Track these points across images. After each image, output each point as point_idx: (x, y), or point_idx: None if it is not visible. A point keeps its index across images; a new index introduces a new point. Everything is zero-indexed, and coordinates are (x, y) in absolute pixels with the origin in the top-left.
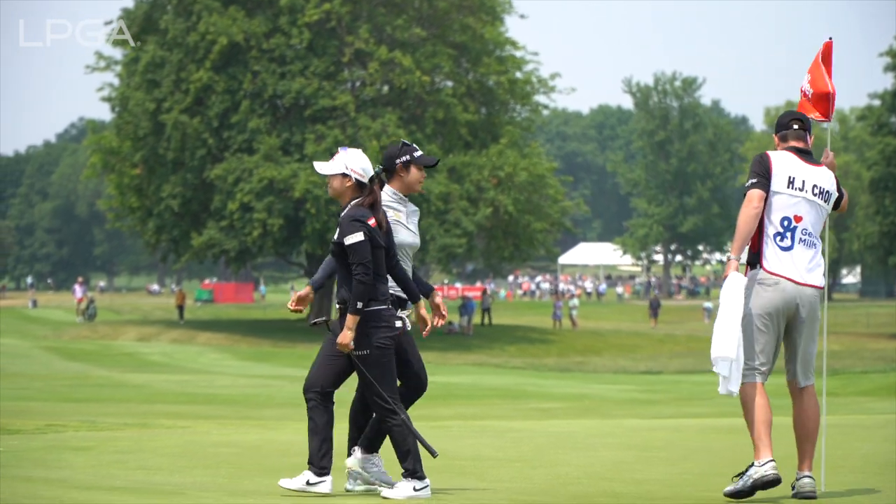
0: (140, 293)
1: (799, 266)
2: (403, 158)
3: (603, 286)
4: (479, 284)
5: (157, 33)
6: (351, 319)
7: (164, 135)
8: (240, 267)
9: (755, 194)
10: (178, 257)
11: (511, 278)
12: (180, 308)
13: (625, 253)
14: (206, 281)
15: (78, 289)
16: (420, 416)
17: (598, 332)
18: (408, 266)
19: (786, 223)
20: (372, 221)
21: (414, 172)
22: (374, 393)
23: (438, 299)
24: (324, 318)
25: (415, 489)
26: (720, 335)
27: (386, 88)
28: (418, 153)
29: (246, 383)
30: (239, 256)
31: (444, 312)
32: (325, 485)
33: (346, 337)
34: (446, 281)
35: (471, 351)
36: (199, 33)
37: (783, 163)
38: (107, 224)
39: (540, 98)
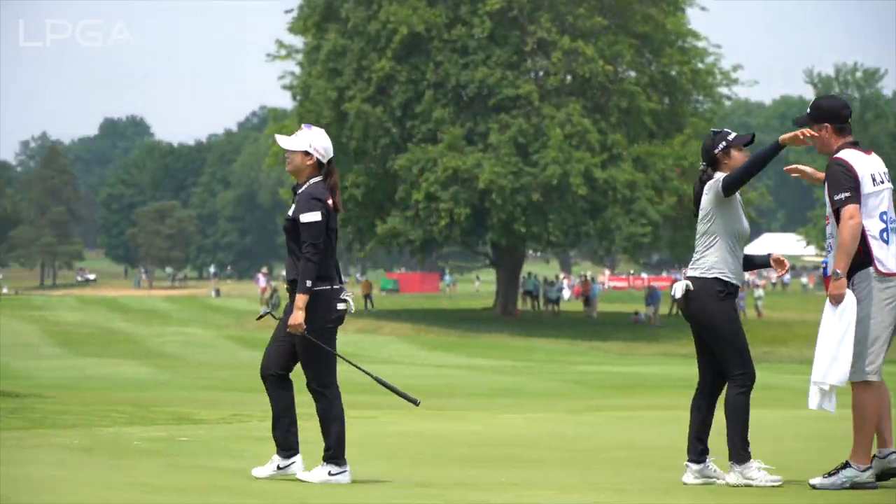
0: None
1: None
2: (720, 146)
3: (787, 276)
4: (664, 275)
5: (339, 22)
6: (301, 299)
7: (347, 124)
8: (425, 257)
9: (854, 209)
10: (361, 246)
11: None
12: (368, 297)
13: (808, 244)
14: (392, 271)
15: (261, 278)
16: (611, 405)
17: (784, 323)
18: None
19: (885, 218)
20: (330, 202)
21: (736, 156)
22: (311, 373)
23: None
24: (267, 312)
25: (330, 473)
26: (831, 358)
27: (569, 78)
28: (732, 136)
29: (431, 373)
30: (424, 246)
31: (785, 264)
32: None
33: (298, 318)
34: (632, 271)
35: (658, 341)
36: (380, 22)
37: (861, 163)
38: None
39: (722, 90)
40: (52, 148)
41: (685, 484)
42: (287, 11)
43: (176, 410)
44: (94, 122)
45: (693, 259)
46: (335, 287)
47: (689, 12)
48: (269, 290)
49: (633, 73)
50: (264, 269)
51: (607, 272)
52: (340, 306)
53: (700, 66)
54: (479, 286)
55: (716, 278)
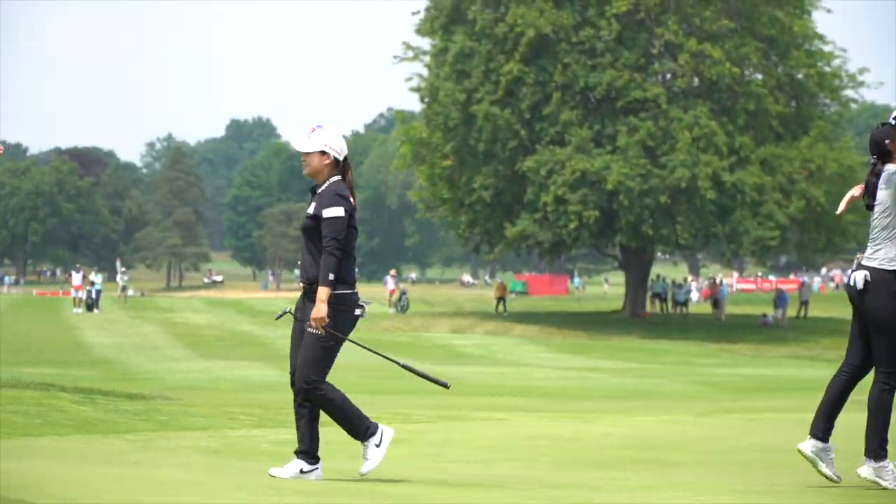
0: (453, 285)
1: None
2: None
3: None
4: (791, 277)
5: (465, 24)
6: (324, 292)
7: (475, 126)
8: (554, 259)
9: None
10: (490, 249)
11: (823, 271)
12: (501, 300)
13: None
14: (520, 273)
15: (389, 280)
16: (739, 407)
17: None
18: None
19: None
20: (352, 200)
21: None
22: (306, 371)
23: None
24: (286, 310)
25: (302, 471)
26: None
27: (696, 80)
28: None
29: (561, 375)
30: (553, 248)
31: None
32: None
33: (322, 311)
34: (760, 273)
35: (786, 343)
36: (508, 24)
37: None
38: (417, 215)
39: (848, 92)
40: (178, 149)
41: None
42: (414, 13)
43: None
44: (220, 123)
45: (871, 249)
46: (355, 291)
47: (814, 15)
48: (397, 291)
49: (759, 76)
50: (392, 272)
51: (735, 274)
52: (357, 312)
53: (826, 69)
54: (609, 288)
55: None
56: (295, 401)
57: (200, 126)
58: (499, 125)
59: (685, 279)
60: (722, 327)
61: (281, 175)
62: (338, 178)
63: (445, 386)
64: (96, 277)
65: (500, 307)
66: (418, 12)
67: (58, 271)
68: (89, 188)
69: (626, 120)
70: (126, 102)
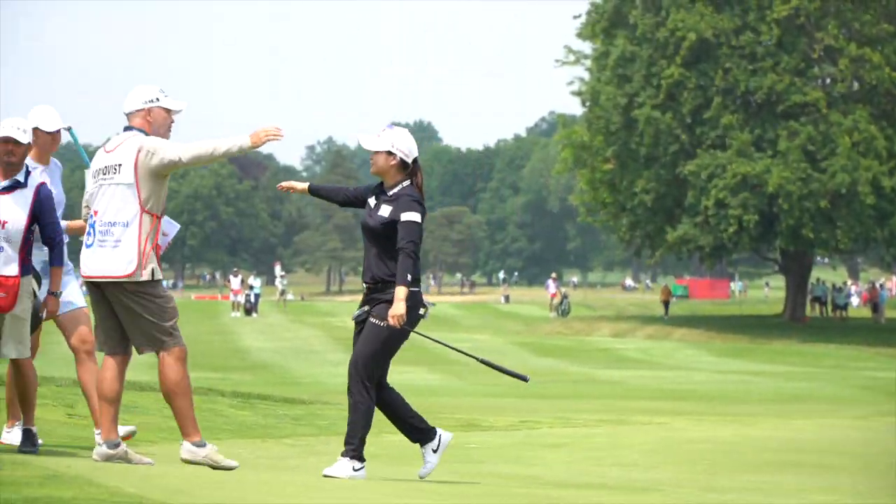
0: (614, 289)
1: None
2: None
3: None
4: None
5: (627, 28)
6: (402, 291)
7: (636, 130)
8: (714, 263)
9: None
10: (652, 253)
11: None
12: (666, 303)
13: None
14: (681, 277)
15: (551, 284)
16: None
17: None
18: None
19: None
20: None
21: None
22: (363, 365)
23: None
24: (365, 310)
25: (354, 469)
26: None
27: (856, 84)
28: None
29: (722, 379)
30: (714, 252)
31: None
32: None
33: (400, 308)
34: None
35: None
36: (668, 29)
37: None
38: (579, 219)
39: None
40: (338, 152)
41: None
42: (576, 17)
43: (465, 417)
44: (381, 126)
45: None
46: (420, 290)
47: None
48: (558, 295)
49: None
50: (554, 275)
51: (895, 278)
52: (421, 311)
53: None
54: (769, 292)
55: None
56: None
57: (361, 129)
58: (660, 129)
59: (845, 283)
60: (881, 331)
61: (442, 179)
62: (408, 182)
63: (525, 379)
64: (255, 281)
65: (665, 311)
66: (580, 16)
67: (217, 275)
68: (248, 192)
69: (786, 124)
70: (286, 106)
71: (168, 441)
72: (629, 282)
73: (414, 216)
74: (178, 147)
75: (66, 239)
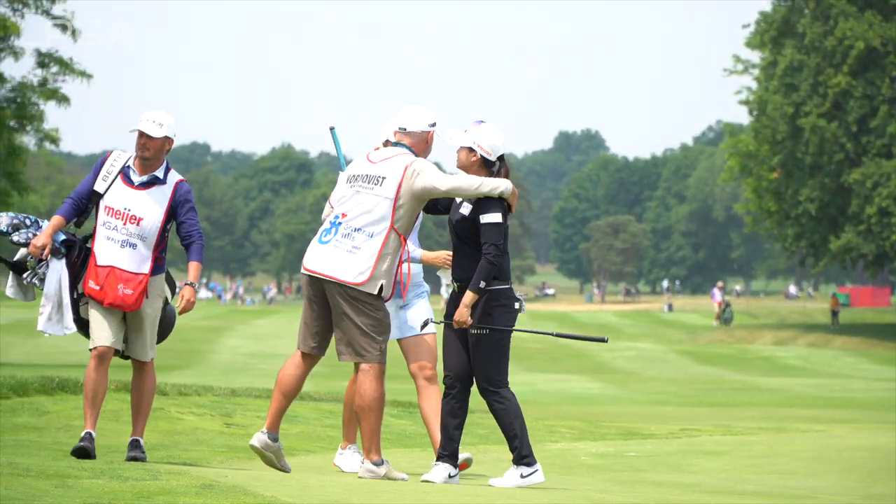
0: (777, 297)
1: None
2: None
3: None
4: None
5: (795, 37)
6: (469, 297)
7: (802, 139)
8: (877, 271)
9: None
10: (815, 261)
11: None
12: (834, 313)
13: None
14: (843, 285)
15: (717, 292)
16: None
17: None
18: None
19: None
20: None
21: None
22: (485, 378)
23: None
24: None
25: (522, 476)
26: None
27: None
28: None
29: (882, 387)
30: (876, 261)
31: None
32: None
33: (463, 314)
34: None
35: None
36: (836, 38)
37: None
38: (746, 229)
39: None
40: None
41: None
42: (744, 26)
43: (625, 425)
44: (548, 135)
45: None
46: (510, 287)
47: None
48: (723, 304)
49: None
50: (720, 284)
51: None
52: (516, 305)
53: None
54: None
55: None
56: (447, 400)
57: (529, 138)
58: (825, 138)
59: None
60: None
61: (608, 187)
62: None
63: (603, 340)
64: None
65: (833, 320)
66: (748, 25)
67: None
68: None
69: None
70: (453, 114)
71: (327, 451)
72: (792, 290)
73: (495, 217)
74: (443, 176)
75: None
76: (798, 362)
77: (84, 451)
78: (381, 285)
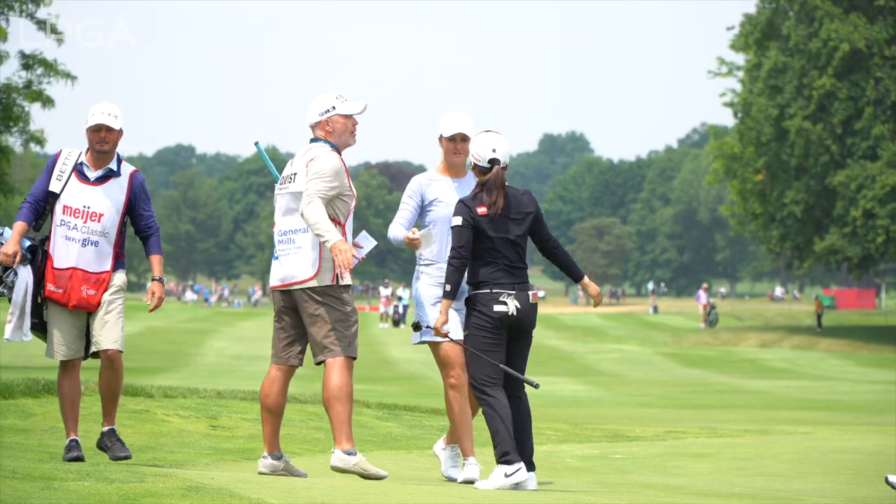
0: (762, 299)
1: None
2: None
3: None
4: None
5: (779, 39)
6: (442, 303)
7: (787, 141)
8: (862, 273)
9: None
10: (800, 263)
11: None
12: (819, 315)
13: None
14: (828, 287)
15: (702, 294)
16: None
17: None
18: None
19: None
20: (482, 209)
21: None
22: (470, 373)
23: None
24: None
25: (506, 475)
26: None
27: None
28: None
29: (867, 389)
30: (861, 263)
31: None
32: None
33: (439, 321)
34: None
35: None
36: (821, 40)
37: None
38: (731, 232)
39: None
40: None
41: None
42: (728, 28)
43: (610, 428)
44: (533, 137)
45: None
46: (494, 290)
47: None
48: (709, 306)
49: None
50: (704, 285)
51: None
52: (496, 308)
53: None
54: None
55: None
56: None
57: (513, 140)
58: (810, 140)
59: None
60: None
61: (593, 190)
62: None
63: (534, 386)
64: (404, 293)
65: (817, 322)
66: (733, 28)
67: (370, 286)
68: (398, 202)
69: None
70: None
71: (311, 453)
72: (778, 292)
73: (454, 220)
74: (311, 194)
75: None
76: (783, 364)
77: (78, 459)
78: (337, 274)
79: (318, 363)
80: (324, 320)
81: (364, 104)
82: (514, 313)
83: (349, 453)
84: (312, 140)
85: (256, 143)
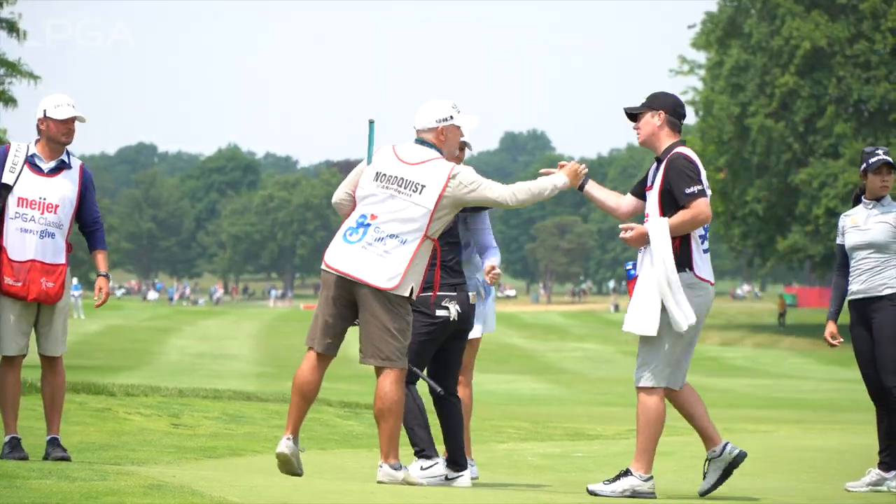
0: (723, 297)
1: None
2: None
3: None
4: None
5: (741, 37)
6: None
7: (749, 139)
8: (824, 272)
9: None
10: (762, 262)
11: None
12: (782, 314)
13: None
14: (790, 285)
15: None
16: None
17: None
18: None
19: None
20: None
21: None
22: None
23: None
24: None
25: (422, 468)
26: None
27: None
28: None
29: (829, 387)
30: (823, 261)
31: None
32: None
33: None
34: None
35: None
36: (783, 38)
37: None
38: None
39: None
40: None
41: None
42: (690, 27)
43: (572, 426)
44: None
45: None
46: (440, 293)
47: None
48: None
49: None
50: None
51: None
52: (438, 312)
53: None
54: None
55: None
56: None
57: (475, 138)
58: (772, 138)
59: None
60: None
61: None
62: None
63: (438, 393)
64: None
65: (780, 321)
66: (694, 26)
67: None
68: None
69: None
70: (398, 114)
71: (273, 451)
72: (740, 290)
73: None
74: (502, 188)
75: None
76: (745, 363)
77: (22, 458)
78: (412, 288)
79: (365, 363)
80: (386, 326)
81: (477, 119)
82: (455, 318)
83: (396, 468)
84: (423, 143)
85: (371, 122)
